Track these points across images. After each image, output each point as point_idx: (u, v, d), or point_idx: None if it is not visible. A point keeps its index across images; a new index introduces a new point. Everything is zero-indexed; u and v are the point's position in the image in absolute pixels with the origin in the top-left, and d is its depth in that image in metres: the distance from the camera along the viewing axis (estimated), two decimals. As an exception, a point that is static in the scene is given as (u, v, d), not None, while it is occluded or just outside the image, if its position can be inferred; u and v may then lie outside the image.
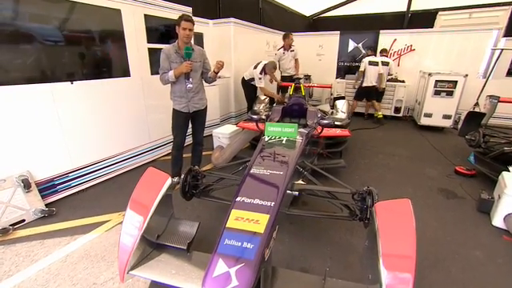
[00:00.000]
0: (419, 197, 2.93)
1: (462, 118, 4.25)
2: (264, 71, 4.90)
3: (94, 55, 2.95)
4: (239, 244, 1.20)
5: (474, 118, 4.01)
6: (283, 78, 5.77)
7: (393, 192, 3.00)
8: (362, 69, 5.89)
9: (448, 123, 5.36)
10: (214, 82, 3.02)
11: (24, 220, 2.42)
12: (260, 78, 4.88)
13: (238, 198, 1.52)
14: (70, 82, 2.69)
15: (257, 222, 1.32)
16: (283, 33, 5.97)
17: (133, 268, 1.59)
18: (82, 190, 2.97)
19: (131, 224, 1.63)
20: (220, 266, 1.10)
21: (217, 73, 2.83)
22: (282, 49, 5.72)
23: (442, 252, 2.11)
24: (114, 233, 2.28)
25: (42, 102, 2.54)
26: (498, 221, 2.44)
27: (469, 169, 3.48)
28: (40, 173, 2.60)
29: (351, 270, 1.91)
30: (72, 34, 2.69)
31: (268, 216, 1.36)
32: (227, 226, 1.32)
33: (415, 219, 2.44)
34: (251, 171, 1.84)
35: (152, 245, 1.74)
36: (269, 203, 1.45)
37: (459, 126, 4.29)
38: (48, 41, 2.53)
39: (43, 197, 2.59)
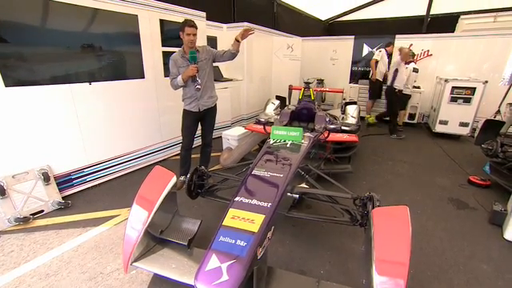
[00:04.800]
0: (428, 205, 2.85)
1: (480, 126, 4.09)
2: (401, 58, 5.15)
3: (111, 58, 3.12)
4: (233, 241, 1.25)
5: (493, 127, 3.85)
6: None
7: (399, 199, 2.95)
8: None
9: (465, 131, 5.16)
10: (236, 55, 2.86)
11: (43, 210, 2.60)
12: (407, 68, 5.15)
13: (237, 198, 1.57)
14: (88, 83, 2.87)
15: (252, 221, 1.37)
16: (297, 37, 5.96)
17: (136, 260, 1.68)
18: (96, 185, 3.13)
19: (136, 218, 1.73)
20: (213, 261, 1.16)
21: (239, 41, 2.71)
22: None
23: (446, 263, 2.06)
24: (123, 227, 2.39)
25: (62, 102, 2.72)
26: (510, 234, 2.35)
27: (483, 179, 3.35)
28: (58, 167, 2.78)
29: (349, 275, 1.90)
30: (92, 38, 2.87)
31: (264, 216, 1.40)
32: (223, 223, 1.38)
33: (420, 227, 2.44)
34: (252, 172, 1.89)
35: (155, 239, 1.83)
36: (266, 204, 1.49)
37: (476, 135, 4.13)
38: (70, 44, 2.72)
39: (60, 190, 2.77)
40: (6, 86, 2.33)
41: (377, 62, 5.88)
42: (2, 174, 2.39)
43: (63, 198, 2.77)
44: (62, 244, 2.17)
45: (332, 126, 2.79)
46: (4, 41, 2.30)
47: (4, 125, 2.37)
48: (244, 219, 1.38)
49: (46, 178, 2.63)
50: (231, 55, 2.85)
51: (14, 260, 2.00)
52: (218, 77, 5.28)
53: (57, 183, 2.74)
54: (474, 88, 4.94)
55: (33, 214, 2.51)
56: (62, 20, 2.63)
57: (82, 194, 2.96)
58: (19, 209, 2.45)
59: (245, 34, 2.70)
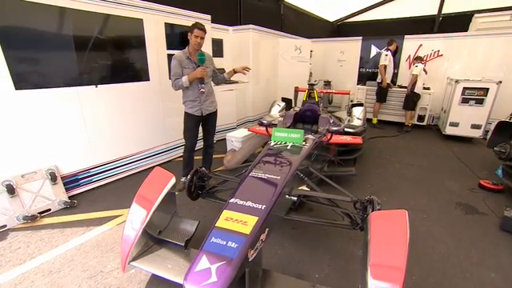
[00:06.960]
0: (434, 210, 2.77)
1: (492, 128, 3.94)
2: None
3: (117, 61, 3.20)
4: (224, 243, 1.25)
5: (506, 129, 3.70)
6: None
7: (404, 203, 2.87)
8: (416, 72, 5.48)
9: (477, 133, 4.99)
10: (225, 83, 3.17)
11: (50, 209, 2.68)
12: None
13: (232, 200, 1.57)
14: (94, 86, 2.95)
15: (245, 223, 1.36)
16: (305, 39, 5.90)
17: (134, 259, 1.71)
18: (101, 185, 3.20)
19: (135, 217, 1.76)
20: (203, 262, 1.16)
21: (235, 72, 3.05)
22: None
23: (451, 270, 1.98)
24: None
25: (69, 104, 2.81)
26: (521, 241, 2.25)
27: (495, 183, 3.22)
28: (65, 167, 2.87)
29: (348, 279, 1.86)
30: (99, 42, 2.95)
31: (257, 218, 1.40)
32: (216, 225, 1.38)
33: (425, 232, 2.37)
34: (250, 174, 1.88)
35: (154, 239, 1.85)
36: (260, 206, 1.49)
37: (488, 137, 3.98)
38: (77, 48, 2.79)
39: (67, 189, 2.85)
40: (16, 89, 2.42)
41: (385, 66, 5.78)
42: (11, 173, 2.47)
43: (69, 197, 2.85)
44: (66, 242, 2.23)
45: (334, 128, 2.75)
46: (13, 46, 2.39)
47: (14, 126, 2.47)
48: (237, 221, 1.38)
49: (54, 177, 2.71)
50: (224, 81, 3.14)
51: (20, 257, 2.07)
52: (224, 79, 5.31)
53: (63, 183, 2.82)
54: (487, 89, 4.76)
55: (40, 213, 2.59)
56: (69, 25, 2.71)
57: (88, 194, 3.03)
58: (27, 207, 2.54)
59: (242, 70, 3.06)
